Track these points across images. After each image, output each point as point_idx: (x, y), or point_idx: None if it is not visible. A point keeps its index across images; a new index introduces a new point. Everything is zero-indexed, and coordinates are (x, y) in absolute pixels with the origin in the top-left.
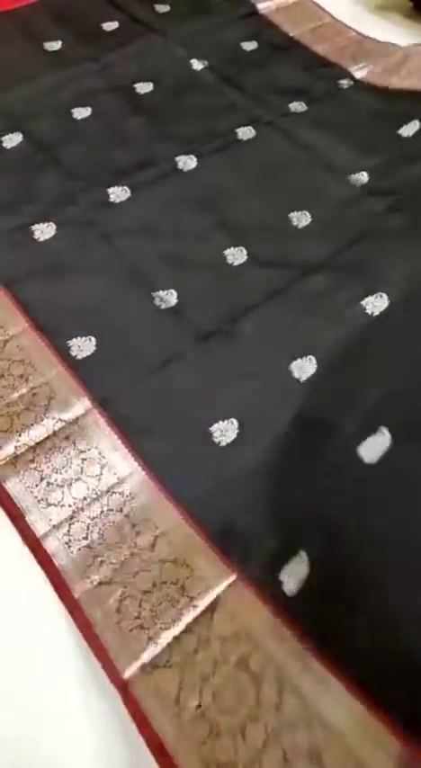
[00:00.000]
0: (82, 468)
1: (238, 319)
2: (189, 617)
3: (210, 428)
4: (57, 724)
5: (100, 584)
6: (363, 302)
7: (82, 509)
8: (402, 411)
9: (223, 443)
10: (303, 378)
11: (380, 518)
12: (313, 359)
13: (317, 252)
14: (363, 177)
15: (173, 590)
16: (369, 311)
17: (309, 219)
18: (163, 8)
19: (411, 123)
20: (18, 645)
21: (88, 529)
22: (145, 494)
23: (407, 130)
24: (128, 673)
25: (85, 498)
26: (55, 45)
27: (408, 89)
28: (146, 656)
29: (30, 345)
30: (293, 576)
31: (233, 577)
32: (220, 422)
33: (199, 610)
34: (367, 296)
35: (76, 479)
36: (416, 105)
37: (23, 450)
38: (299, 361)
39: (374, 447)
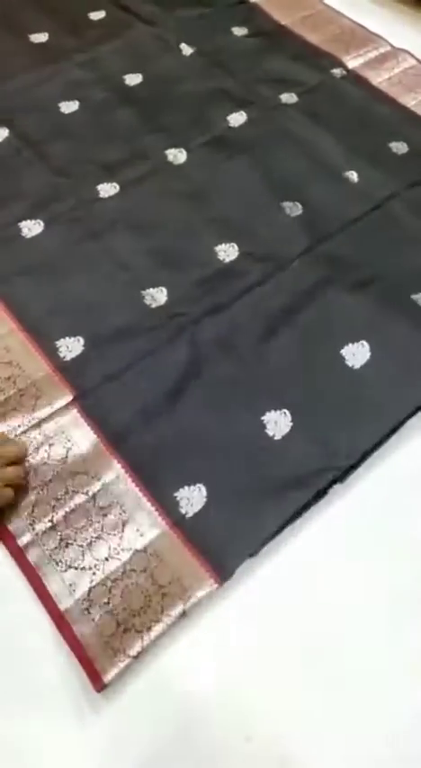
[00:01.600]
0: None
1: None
2: None
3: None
4: None
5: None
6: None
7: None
8: None
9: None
10: None
11: None
12: None
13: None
14: (353, 176)
15: None
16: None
17: (301, 210)
18: None
19: (401, 143)
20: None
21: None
22: (129, 500)
23: (397, 148)
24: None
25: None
26: (41, 37)
27: (393, 98)
28: None
29: (17, 347)
30: None
31: None
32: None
33: None
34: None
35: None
36: (401, 124)
37: None
38: None
39: None
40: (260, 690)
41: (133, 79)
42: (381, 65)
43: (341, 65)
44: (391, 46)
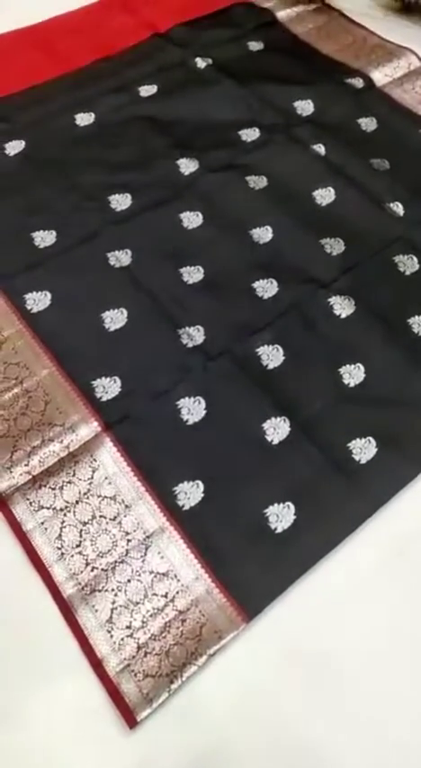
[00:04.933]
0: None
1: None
2: None
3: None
4: None
5: None
6: None
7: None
8: None
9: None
10: None
11: None
12: None
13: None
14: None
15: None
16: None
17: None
18: None
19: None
20: None
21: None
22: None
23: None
24: None
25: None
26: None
27: None
28: None
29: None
30: None
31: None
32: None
33: None
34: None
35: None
36: None
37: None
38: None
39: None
40: (278, 722)
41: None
42: (402, 82)
43: (358, 74)
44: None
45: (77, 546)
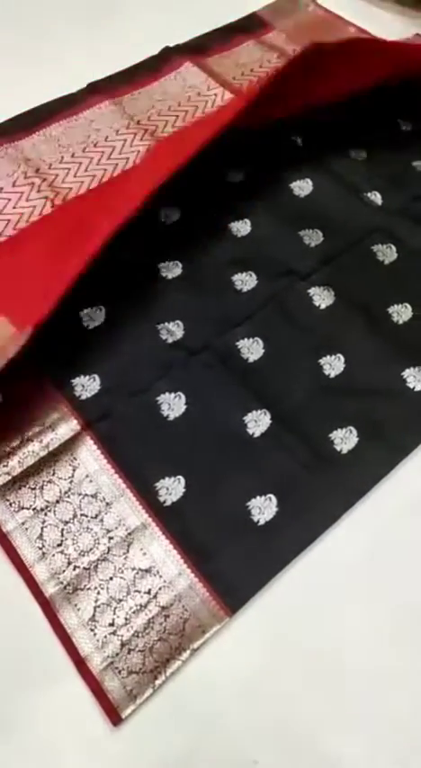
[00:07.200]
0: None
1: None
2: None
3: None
4: None
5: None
6: None
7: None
8: None
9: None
10: None
11: None
12: None
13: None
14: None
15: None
16: None
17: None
18: None
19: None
20: None
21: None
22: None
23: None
24: None
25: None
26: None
27: None
28: None
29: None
30: None
31: None
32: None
33: None
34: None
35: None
36: None
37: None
38: None
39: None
40: (268, 713)
41: None
42: None
43: None
44: None
45: (59, 545)
